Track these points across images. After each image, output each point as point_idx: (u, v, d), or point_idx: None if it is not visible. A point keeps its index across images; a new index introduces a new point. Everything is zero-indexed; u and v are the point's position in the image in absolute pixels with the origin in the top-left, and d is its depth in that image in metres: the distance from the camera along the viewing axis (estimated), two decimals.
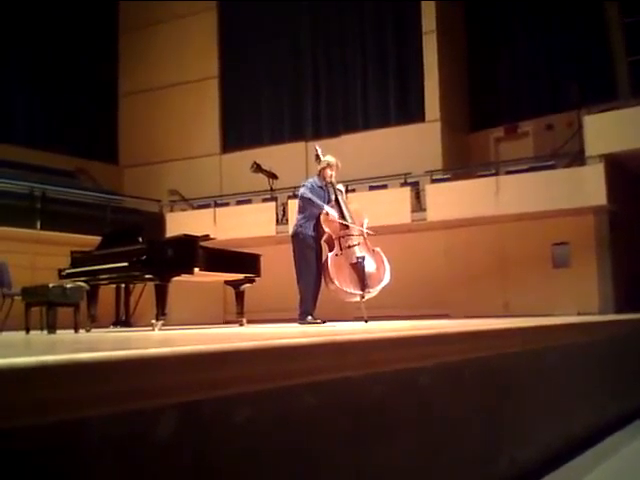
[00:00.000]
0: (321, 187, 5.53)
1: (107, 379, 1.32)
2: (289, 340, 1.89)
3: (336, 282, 5.08)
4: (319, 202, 5.38)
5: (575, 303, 10.26)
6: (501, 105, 13.67)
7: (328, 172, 5.55)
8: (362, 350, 2.17)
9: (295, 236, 5.38)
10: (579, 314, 9.59)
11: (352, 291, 5.15)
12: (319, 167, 5.64)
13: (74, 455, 1.28)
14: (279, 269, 8.87)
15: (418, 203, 11.91)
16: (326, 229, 5.29)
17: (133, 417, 1.38)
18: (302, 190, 5.48)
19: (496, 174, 11.43)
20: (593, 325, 4.36)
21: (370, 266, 5.20)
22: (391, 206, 11.38)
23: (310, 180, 5.60)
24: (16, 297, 6.22)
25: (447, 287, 11.67)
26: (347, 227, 5.34)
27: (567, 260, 10.97)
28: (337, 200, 5.51)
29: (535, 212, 10.70)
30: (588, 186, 10.25)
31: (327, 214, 5.30)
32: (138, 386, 1.39)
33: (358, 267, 5.12)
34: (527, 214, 10.81)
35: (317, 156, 5.87)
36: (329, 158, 5.68)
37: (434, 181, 12.07)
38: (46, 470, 1.22)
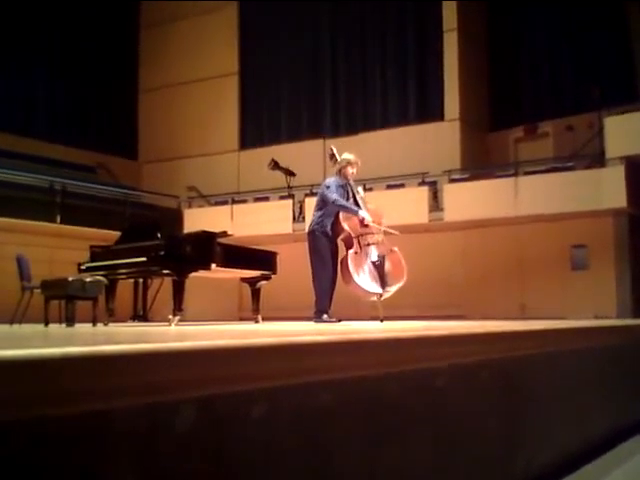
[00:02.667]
0: (342, 186, 5.51)
1: (128, 372, 1.34)
2: (306, 338, 1.91)
3: (356, 280, 5.09)
4: (353, 207, 5.38)
5: (592, 306, 10.17)
6: (521, 105, 13.58)
7: (349, 170, 5.53)
8: (378, 349, 2.17)
9: (312, 234, 5.38)
10: (596, 317, 9.50)
11: (371, 290, 5.15)
12: (339, 166, 5.60)
13: (95, 446, 1.30)
14: (295, 267, 8.88)
15: (435, 203, 11.86)
16: (345, 227, 5.28)
17: (153, 410, 1.40)
18: (323, 189, 5.44)
19: (515, 175, 11.35)
20: (610, 329, 4.33)
21: (388, 265, 5.20)
22: (408, 205, 11.34)
23: (331, 180, 5.57)
24: (35, 290, 6.30)
25: (463, 288, 11.62)
26: (367, 226, 5.33)
27: (585, 263, 10.87)
28: (355, 199, 5.50)
29: (554, 214, 10.62)
30: (608, 188, 10.15)
31: (363, 219, 5.28)
32: (158, 379, 1.41)
33: (378, 266, 5.12)
34: (546, 215, 10.72)
35: (332, 155, 5.82)
36: (349, 156, 5.64)
37: (452, 181, 12.01)
38: (66, 460, 1.24)
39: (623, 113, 10.40)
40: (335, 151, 5.85)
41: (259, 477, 1.67)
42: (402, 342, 2.31)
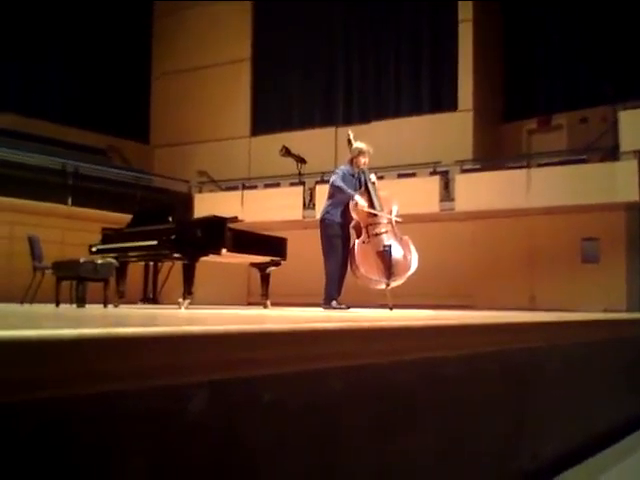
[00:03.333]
0: (352, 175, 5.50)
1: (142, 354, 1.36)
2: (318, 324, 1.92)
3: (362, 269, 5.09)
4: (349, 191, 5.35)
5: (602, 300, 10.14)
6: (535, 97, 13.47)
7: (361, 160, 5.52)
8: (388, 337, 2.18)
9: (322, 222, 5.39)
10: (605, 311, 9.48)
11: (378, 279, 5.16)
12: (350, 155, 5.59)
13: (107, 428, 1.31)
14: (304, 253, 8.91)
15: (447, 193, 11.83)
16: (354, 216, 5.28)
17: (166, 392, 1.42)
18: (333, 177, 5.45)
19: (527, 166, 11.29)
20: (619, 322, 4.32)
21: (397, 254, 5.20)
22: (419, 195, 11.32)
23: (342, 167, 5.57)
24: (47, 271, 6.36)
25: (473, 278, 11.61)
26: (375, 215, 5.33)
27: (596, 256, 10.83)
28: (367, 187, 5.49)
29: (566, 206, 10.57)
30: (621, 182, 10.09)
31: (356, 203, 5.29)
32: (172, 362, 1.42)
33: (385, 255, 5.12)
34: (557, 208, 10.68)
35: (349, 141, 5.81)
36: (361, 145, 5.63)
37: (464, 171, 11.96)
38: (78, 441, 1.26)
39: (638, 107, 10.31)
40: (352, 137, 5.83)
41: (269, 461, 1.69)
42: (413, 331, 2.32)
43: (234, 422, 1.61)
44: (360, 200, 5.30)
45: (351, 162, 5.56)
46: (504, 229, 11.46)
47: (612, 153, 10.55)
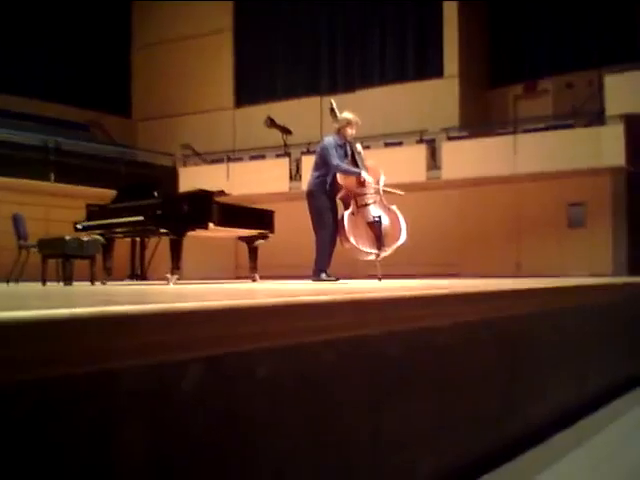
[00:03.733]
0: (340, 145, 5.43)
1: (136, 331, 1.34)
2: (311, 297, 1.90)
3: (352, 241, 5.06)
4: (355, 170, 5.31)
5: (588, 264, 10.24)
6: (521, 62, 13.38)
7: (349, 131, 5.43)
8: (381, 308, 2.18)
9: (310, 194, 5.32)
10: (591, 275, 9.57)
11: (368, 250, 5.13)
12: (338, 125, 5.48)
13: (103, 406, 1.30)
14: (292, 226, 8.89)
15: (433, 161, 11.80)
16: (342, 186, 5.22)
17: (161, 369, 1.40)
18: (321, 148, 5.32)
19: (514, 132, 11.28)
20: (609, 287, 4.35)
21: (387, 225, 5.18)
22: (406, 163, 11.29)
23: (329, 138, 5.47)
24: (32, 249, 6.28)
25: (460, 246, 11.67)
26: (364, 185, 5.28)
27: (582, 220, 10.90)
28: (354, 157, 5.43)
29: (552, 172, 10.59)
30: (607, 146, 10.11)
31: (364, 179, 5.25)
32: (166, 339, 1.41)
33: (375, 226, 5.09)
34: (544, 174, 10.70)
35: (332, 110, 5.67)
36: (349, 115, 5.53)
37: (450, 139, 11.92)
38: (76, 420, 1.25)
39: (623, 71, 10.28)
40: (335, 106, 5.71)
41: (265, 434, 1.69)
42: (405, 301, 2.31)
43: (230, 397, 1.61)
44: (368, 177, 5.27)
45: (338, 132, 5.47)
46: (491, 196, 11.49)
47: (598, 118, 10.55)
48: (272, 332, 1.72)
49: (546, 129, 11.02)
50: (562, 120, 11.14)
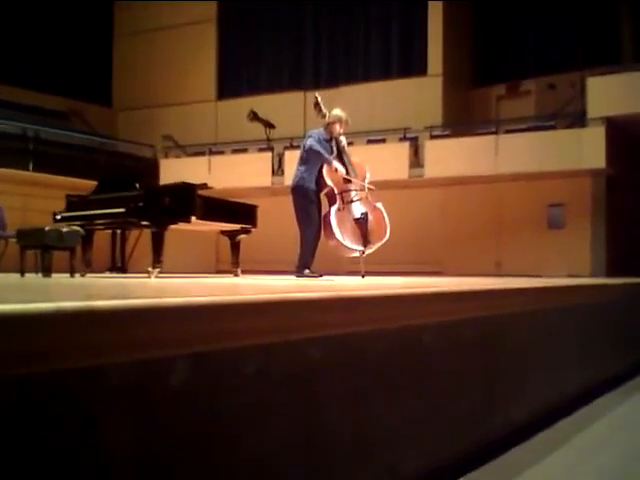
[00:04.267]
0: (327, 140, 5.38)
1: (122, 327, 1.31)
2: (299, 294, 1.88)
3: (338, 237, 5.03)
4: (327, 156, 5.22)
5: (567, 265, 10.34)
6: (504, 62, 13.45)
7: (337, 128, 5.38)
8: (368, 306, 2.17)
9: (296, 189, 5.27)
10: (569, 276, 9.67)
11: (354, 247, 5.11)
12: (327, 121, 5.41)
13: (92, 401, 1.27)
14: (274, 221, 8.84)
15: (416, 159, 11.81)
16: (329, 182, 5.17)
17: (148, 365, 1.38)
18: (309, 142, 5.26)
19: (496, 132, 11.34)
20: (591, 287, 4.39)
21: (372, 222, 5.16)
22: (389, 161, 11.27)
23: (316, 131, 5.41)
24: (10, 239, 6.17)
25: (441, 244, 11.71)
26: (350, 181, 5.25)
27: (562, 222, 11.00)
28: (340, 154, 5.39)
29: (533, 172, 10.67)
30: (588, 148, 10.20)
31: (335, 169, 5.16)
32: (154, 335, 1.38)
33: (361, 223, 5.07)
34: (525, 174, 10.77)
35: (317, 104, 5.60)
36: (339, 113, 5.47)
37: (433, 137, 11.95)
38: (64, 415, 1.22)
39: (606, 74, 10.38)
40: (320, 100, 5.65)
41: (251, 430, 1.67)
42: (392, 299, 2.31)
43: (216, 394, 1.59)
44: (339, 166, 5.18)
45: (326, 127, 5.42)
46: (472, 196, 11.54)
47: (580, 120, 10.64)
48: (259, 329, 1.70)
49: (528, 130, 11.09)
50: (544, 121, 11.22)
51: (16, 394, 1.14)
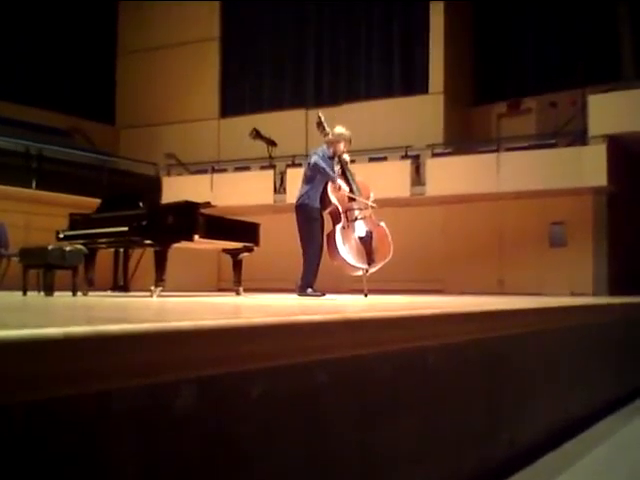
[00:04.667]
0: (330, 158, 5.40)
1: (131, 352, 1.30)
2: (306, 317, 1.88)
3: (343, 256, 5.03)
4: (332, 173, 5.25)
5: (569, 283, 10.32)
6: (505, 80, 13.53)
7: (341, 147, 5.41)
8: (374, 328, 2.16)
9: (301, 207, 5.28)
10: (572, 294, 9.65)
11: (358, 265, 5.11)
12: (330, 139, 5.45)
13: (98, 426, 1.27)
14: (276, 239, 8.85)
15: (418, 177, 11.84)
16: (333, 201, 5.18)
17: (155, 390, 1.37)
18: (314, 158, 5.28)
19: (497, 150, 11.37)
20: (596, 307, 4.38)
21: (375, 241, 5.16)
22: (390, 179, 11.31)
23: (320, 149, 5.43)
24: (13, 258, 6.17)
25: (443, 262, 11.70)
26: (354, 200, 5.26)
27: (564, 240, 10.99)
28: (344, 171, 5.40)
29: (535, 190, 10.69)
30: (589, 166, 10.23)
31: (339, 187, 5.18)
32: (159, 359, 1.38)
33: (365, 241, 5.07)
34: (526, 192, 10.79)
35: (319, 123, 5.63)
36: (342, 130, 5.49)
37: (435, 155, 11.99)
38: (67, 443, 1.21)
39: (607, 91, 10.43)
40: (323, 119, 5.68)
41: (257, 455, 1.66)
42: (398, 321, 2.30)
43: (223, 418, 1.58)
44: (343, 184, 5.21)
45: (329, 146, 5.44)
46: (474, 214, 11.55)
47: (581, 137, 10.68)
48: (264, 352, 1.70)
49: (529, 148, 11.13)
50: (545, 139, 11.26)
51: (22, 421, 1.14)
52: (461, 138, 13.18)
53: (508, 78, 13.47)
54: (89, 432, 1.25)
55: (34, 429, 1.15)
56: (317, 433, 1.92)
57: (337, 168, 5.42)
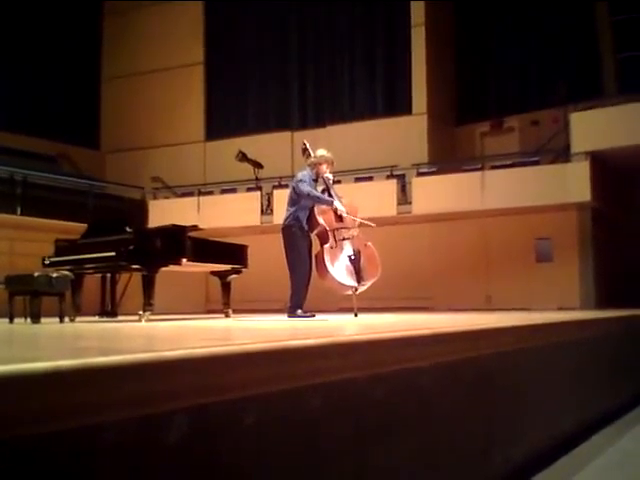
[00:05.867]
0: (315, 180, 5.44)
1: (121, 384, 1.28)
2: (297, 342, 1.86)
3: (333, 275, 5.03)
4: (327, 198, 5.30)
5: (556, 298, 10.37)
6: (487, 100, 13.70)
7: (323, 168, 5.46)
8: (366, 351, 2.15)
9: (287, 228, 5.29)
10: (560, 309, 9.69)
11: (348, 283, 5.11)
12: (313, 161, 5.50)
13: (86, 462, 1.24)
14: (263, 259, 8.83)
15: (404, 196, 11.91)
16: (321, 221, 5.21)
17: (146, 421, 1.35)
18: (305, 188, 5.29)
19: (481, 169, 11.47)
20: (583, 322, 4.39)
21: (364, 260, 5.17)
22: (377, 198, 11.36)
23: (304, 172, 5.47)
24: None
25: (431, 280, 11.73)
26: (342, 220, 5.28)
27: (550, 255, 11.07)
28: (329, 192, 5.44)
29: (519, 207, 10.77)
30: (572, 182, 10.34)
31: (336, 209, 5.22)
32: (151, 390, 1.36)
33: (354, 261, 5.08)
34: (511, 209, 10.88)
35: (305, 150, 5.72)
36: (324, 153, 5.55)
37: (420, 174, 12.07)
38: (61, 476, 1.19)
39: (588, 109, 10.58)
40: (308, 146, 5.75)
41: None
42: (390, 343, 2.29)
43: (215, 447, 1.56)
44: (340, 206, 5.27)
45: (312, 168, 5.49)
46: (460, 231, 11.61)
47: (564, 154, 10.80)
48: (256, 379, 1.68)
49: (513, 166, 11.24)
50: (528, 157, 11.38)
51: (6, 460, 1.11)
52: (446, 157, 13.30)
53: (490, 97, 13.65)
54: (75, 469, 1.22)
55: (18, 468, 1.12)
56: (312, 458, 1.90)
57: (320, 188, 5.48)
